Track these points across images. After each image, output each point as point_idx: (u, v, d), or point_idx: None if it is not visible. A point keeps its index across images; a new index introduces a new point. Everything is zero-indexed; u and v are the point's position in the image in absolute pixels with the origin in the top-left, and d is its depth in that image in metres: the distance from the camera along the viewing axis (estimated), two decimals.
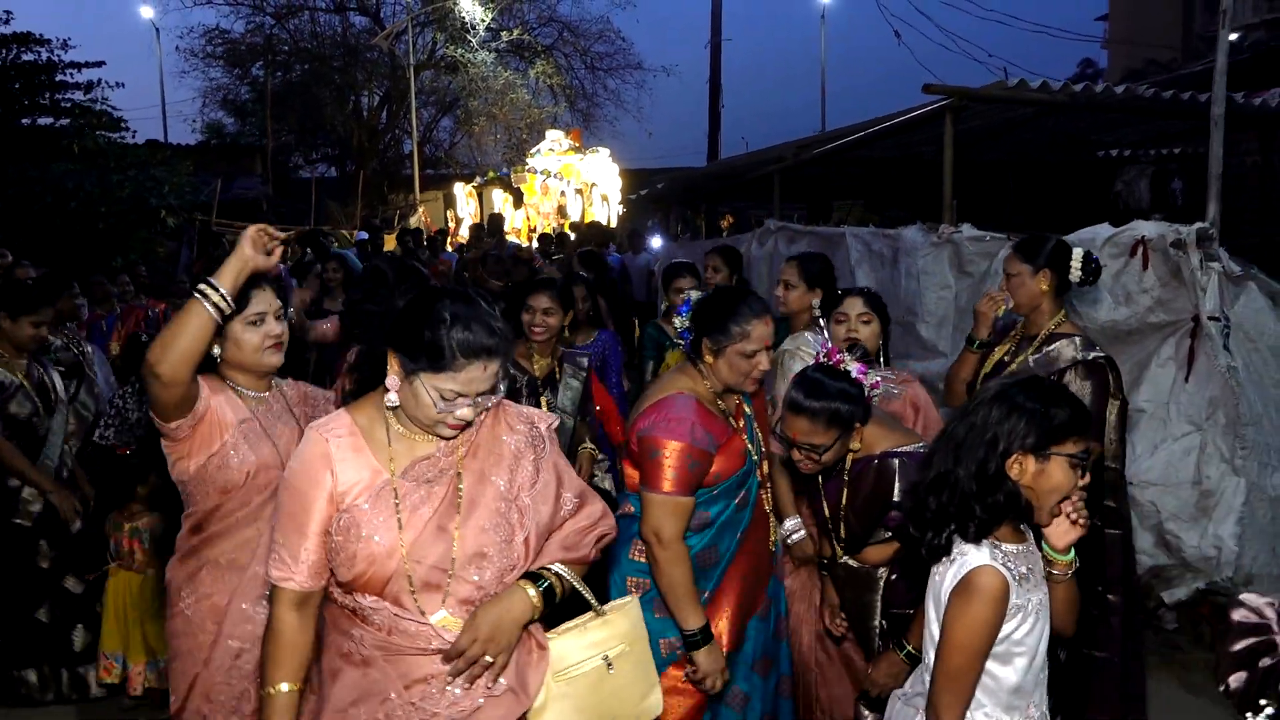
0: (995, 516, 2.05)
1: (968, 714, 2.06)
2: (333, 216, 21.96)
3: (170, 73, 39.52)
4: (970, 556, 2.04)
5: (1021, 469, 2.03)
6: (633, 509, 2.84)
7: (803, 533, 3.23)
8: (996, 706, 2.09)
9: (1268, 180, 8.64)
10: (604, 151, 21.09)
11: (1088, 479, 2.06)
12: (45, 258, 10.50)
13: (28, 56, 16.98)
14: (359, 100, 29.03)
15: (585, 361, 4.19)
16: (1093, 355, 3.37)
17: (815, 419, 2.64)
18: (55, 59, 17.03)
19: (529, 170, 20.27)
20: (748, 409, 2.97)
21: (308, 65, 27.88)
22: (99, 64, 17.48)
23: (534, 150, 21.43)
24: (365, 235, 15.29)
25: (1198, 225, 4.52)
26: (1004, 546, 2.06)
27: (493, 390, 1.94)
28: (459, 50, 26.42)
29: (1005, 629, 2.03)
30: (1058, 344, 3.43)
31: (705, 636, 2.68)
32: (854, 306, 3.55)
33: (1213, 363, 4.59)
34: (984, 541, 2.06)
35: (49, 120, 16.57)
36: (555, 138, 21.26)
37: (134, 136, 17.10)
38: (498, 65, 27.15)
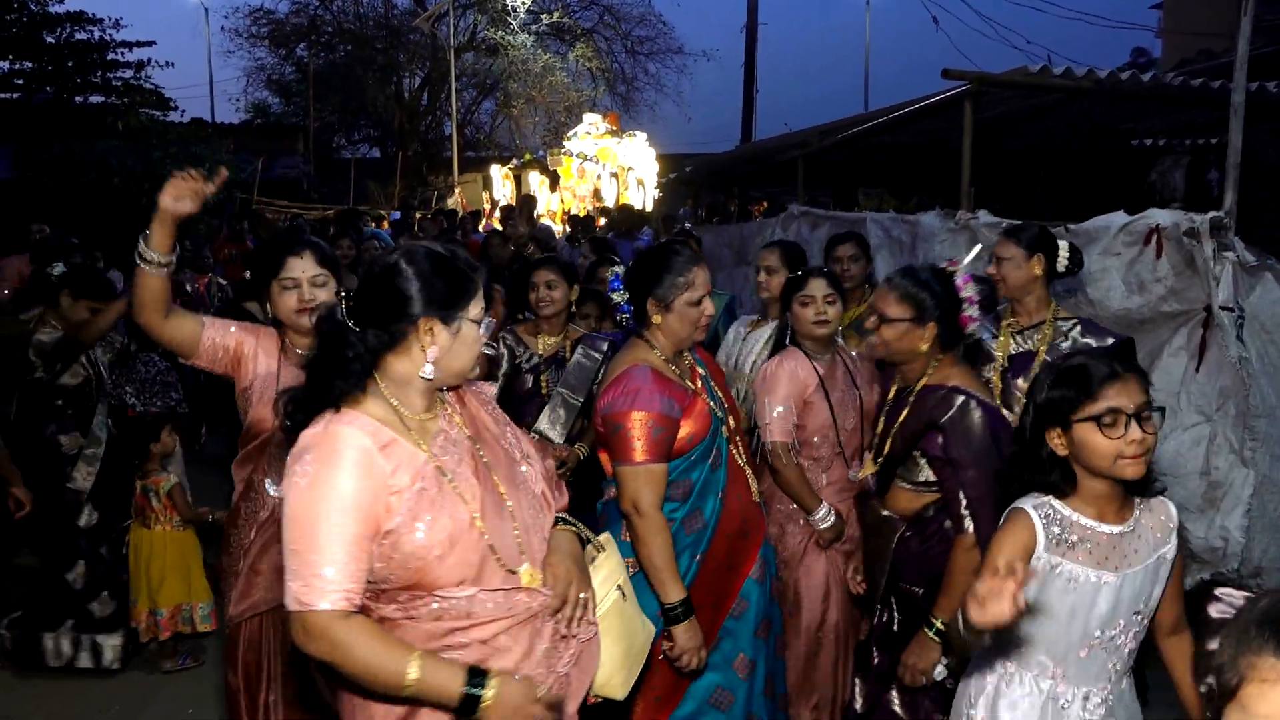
0: (1031, 486, 2.16)
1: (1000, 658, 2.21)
2: (372, 197, 22.20)
3: (217, 53, 40.08)
4: (1018, 502, 2.18)
5: (1059, 443, 2.13)
6: (614, 492, 2.90)
7: (833, 517, 3.36)
8: (1017, 659, 2.20)
9: None
10: (641, 135, 21.11)
11: (1149, 432, 2.06)
12: (90, 232, 10.76)
13: (80, 35, 17.37)
14: (400, 82, 29.26)
15: (605, 346, 4.12)
16: (1109, 340, 3.40)
17: (894, 289, 2.85)
18: (107, 38, 17.40)
19: (565, 153, 20.33)
20: (701, 370, 3.03)
21: (350, 46, 28.14)
22: (149, 43, 17.84)
23: (571, 133, 21.50)
24: (398, 215, 15.45)
25: (1211, 214, 4.47)
26: (1056, 504, 2.14)
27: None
28: (499, 32, 26.53)
29: (1029, 590, 1.98)
30: (1068, 328, 3.51)
31: (686, 610, 2.73)
32: (819, 288, 3.55)
33: (1224, 353, 4.55)
34: (1036, 496, 2.16)
35: (100, 98, 16.93)
36: (593, 121, 21.31)
37: (182, 115, 17.48)
38: (537, 48, 27.24)
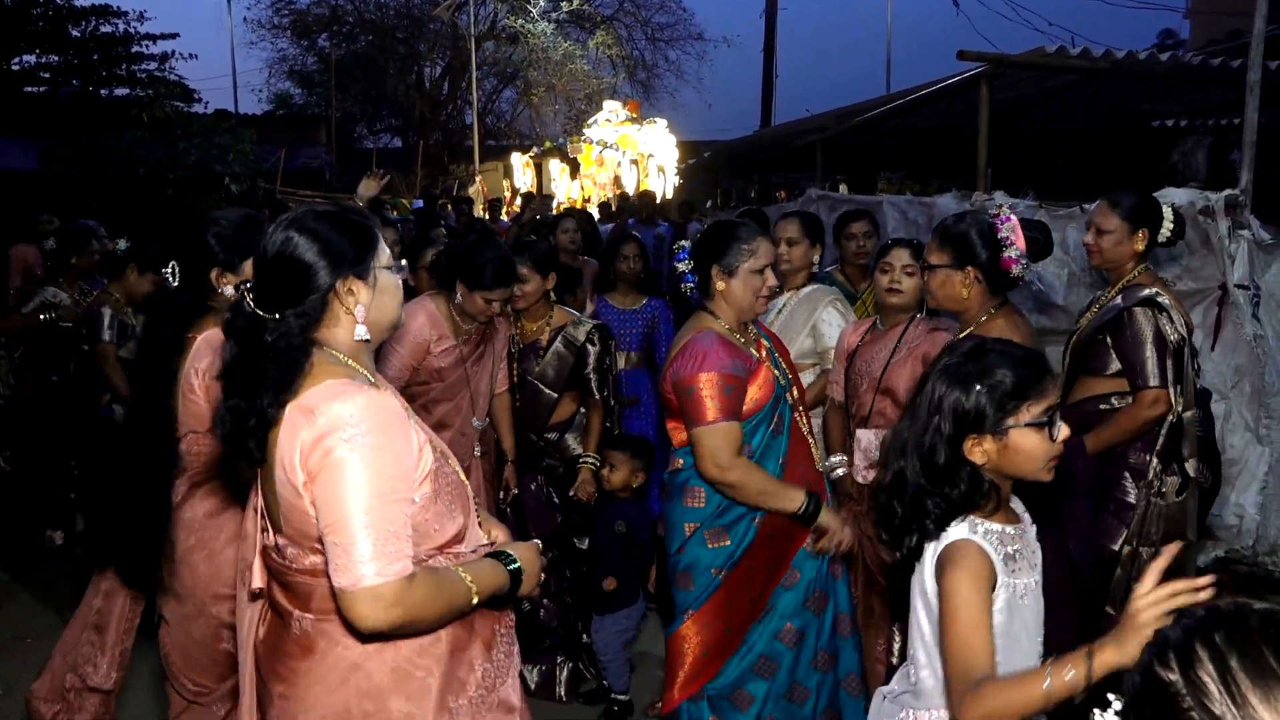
0: (953, 510, 1.91)
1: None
2: (394, 186, 22.29)
3: (239, 43, 40.35)
4: (948, 533, 1.92)
5: (985, 451, 1.89)
6: (681, 463, 3.00)
7: (845, 469, 3.41)
8: None
9: None
10: (661, 122, 21.07)
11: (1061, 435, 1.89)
12: (116, 223, 10.90)
13: (105, 28, 17.54)
14: (421, 71, 29.34)
15: (581, 334, 4.02)
16: (1142, 295, 3.23)
17: (935, 237, 2.90)
18: (132, 31, 17.57)
19: (585, 141, 20.35)
20: (766, 342, 3.12)
21: (371, 36, 28.24)
22: (173, 35, 17.99)
23: (591, 121, 21.51)
24: (420, 204, 15.56)
25: (1226, 192, 4.49)
26: (986, 524, 1.92)
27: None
28: (519, 21, 26.56)
29: (999, 619, 1.87)
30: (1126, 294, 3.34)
31: (815, 503, 2.86)
32: (900, 258, 3.50)
33: (1239, 331, 4.56)
34: (962, 520, 1.92)
35: (125, 91, 17.10)
36: (612, 108, 21.30)
37: (206, 107, 17.61)
38: (558, 36, 27.24)
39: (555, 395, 4.01)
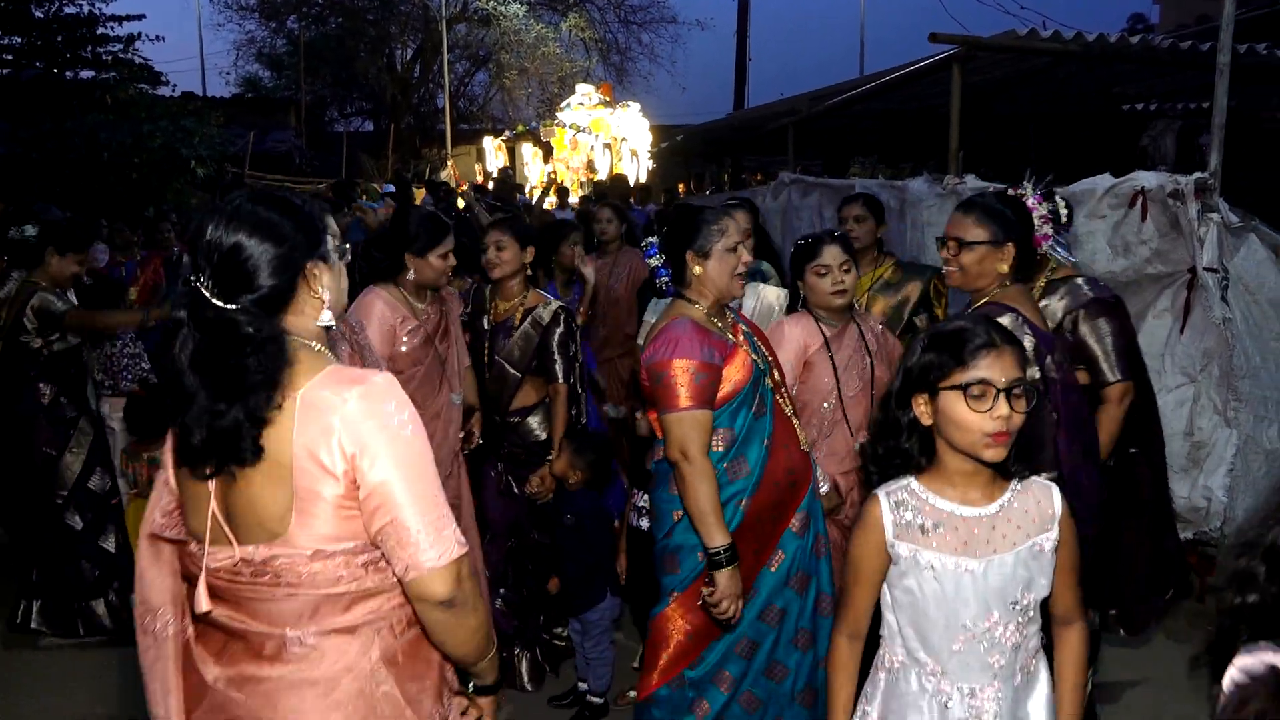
0: (890, 458, 2.03)
1: (883, 646, 2.10)
2: (365, 170, 22.09)
3: (207, 26, 39.73)
4: (879, 488, 2.05)
5: (924, 412, 1.99)
6: (661, 449, 2.97)
7: (827, 484, 3.35)
8: (897, 650, 2.07)
9: None
10: (635, 106, 20.98)
11: (1014, 410, 1.89)
12: (80, 207, 10.73)
13: (70, 9, 17.20)
14: (392, 54, 29.05)
15: (546, 314, 3.94)
16: (1097, 295, 3.25)
17: (970, 213, 2.90)
18: (97, 12, 17.23)
19: (558, 124, 20.22)
20: (744, 327, 3.09)
21: (341, 19, 27.91)
22: (139, 17, 17.64)
23: (564, 104, 21.37)
24: (391, 188, 15.39)
25: (1196, 175, 4.47)
26: (916, 487, 2.02)
27: None
28: (491, 3, 26.31)
29: (893, 573, 2.01)
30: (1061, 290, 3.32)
31: (730, 556, 2.78)
32: (834, 255, 3.44)
33: (1208, 315, 4.56)
34: (902, 477, 2.04)
35: (90, 73, 16.78)
36: (585, 92, 21.17)
37: (173, 90, 17.32)
38: (530, 18, 27.02)
39: (519, 376, 3.96)
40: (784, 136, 9.68)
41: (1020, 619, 2.00)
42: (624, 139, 19.83)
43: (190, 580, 1.75)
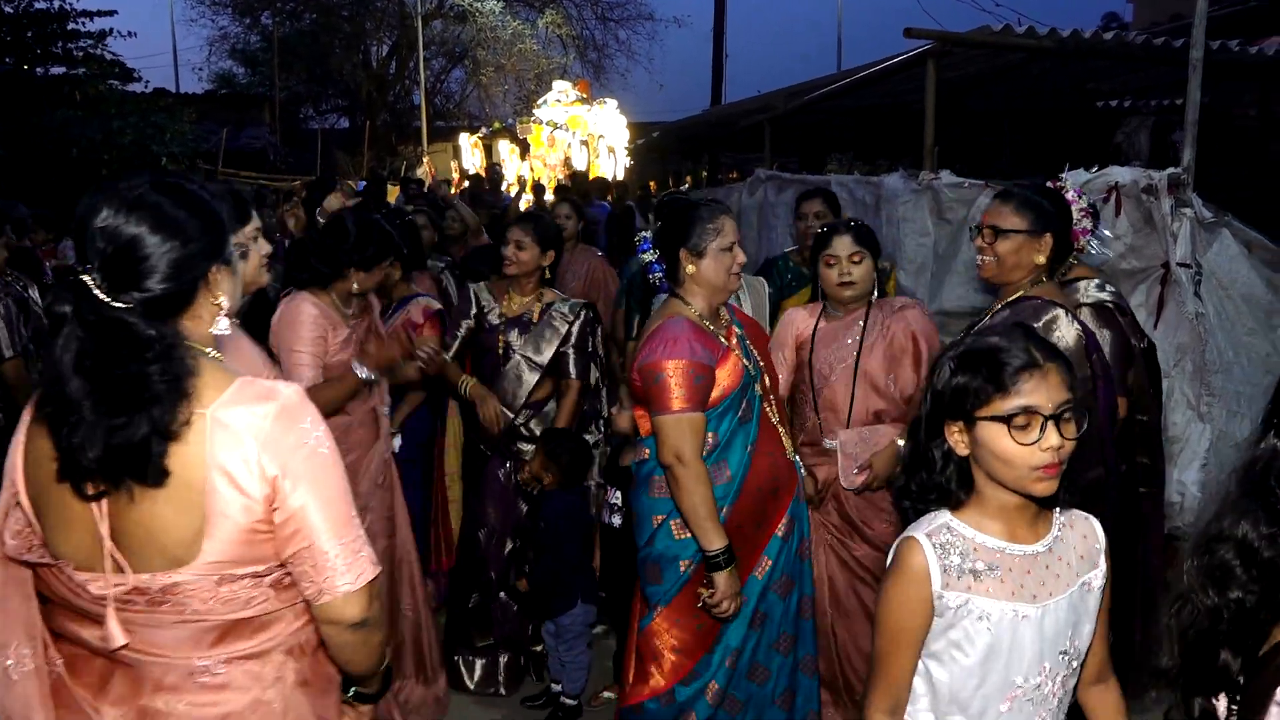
0: (925, 494, 1.79)
1: (908, 708, 1.80)
2: (340, 167, 21.91)
3: (180, 21, 39.27)
4: (911, 527, 1.78)
5: (959, 442, 1.74)
6: (647, 451, 2.92)
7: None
8: (927, 708, 1.80)
9: (1267, 133, 8.51)
10: (612, 103, 20.86)
11: (1064, 438, 1.67)
12: (49, 204, 10.57)
13: (40, 4, 16.97)
14: (368, 50, 28.84)
15: (570, 311, 3.96)
16: (1097, 298, 3.12)
17: (1008, 201, 2.89)
18: (67, 7, 17.00)
19: (535, 121, 20.09)
20: (738, 330, 3.04)
21: (316, 15, 27.67)
22: (111, 13, 17.43)
23: (541, 101, 21.24)
24: (364, 185, 15.24)
25: (1169, 170, 4.48)
26: (956, 524, 1.75)
27: None
28: None
29: (936, 625, 1.74)
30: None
31: (729, 557, 2.76)
32: (844, 246, 3.37)
33: (1182, 310, 4.57)
34: (937, 515, 1.78)
35: (61, 69, 16.56)
36: (562, 89, 21.04)
37: (146, 86, 17.12)
38: (506, 14, 26.88)
39: (539, 371, 3.92)
40: (760, 133, 9.66)
41: (1066, 670, 1.80)
42: (601, 136, 19.72)
43: (65, 606, 1.57)
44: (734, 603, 2.78)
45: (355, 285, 3.43)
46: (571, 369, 3.94)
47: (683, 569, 2.85)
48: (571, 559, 3.66)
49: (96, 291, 1.43)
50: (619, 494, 3.58)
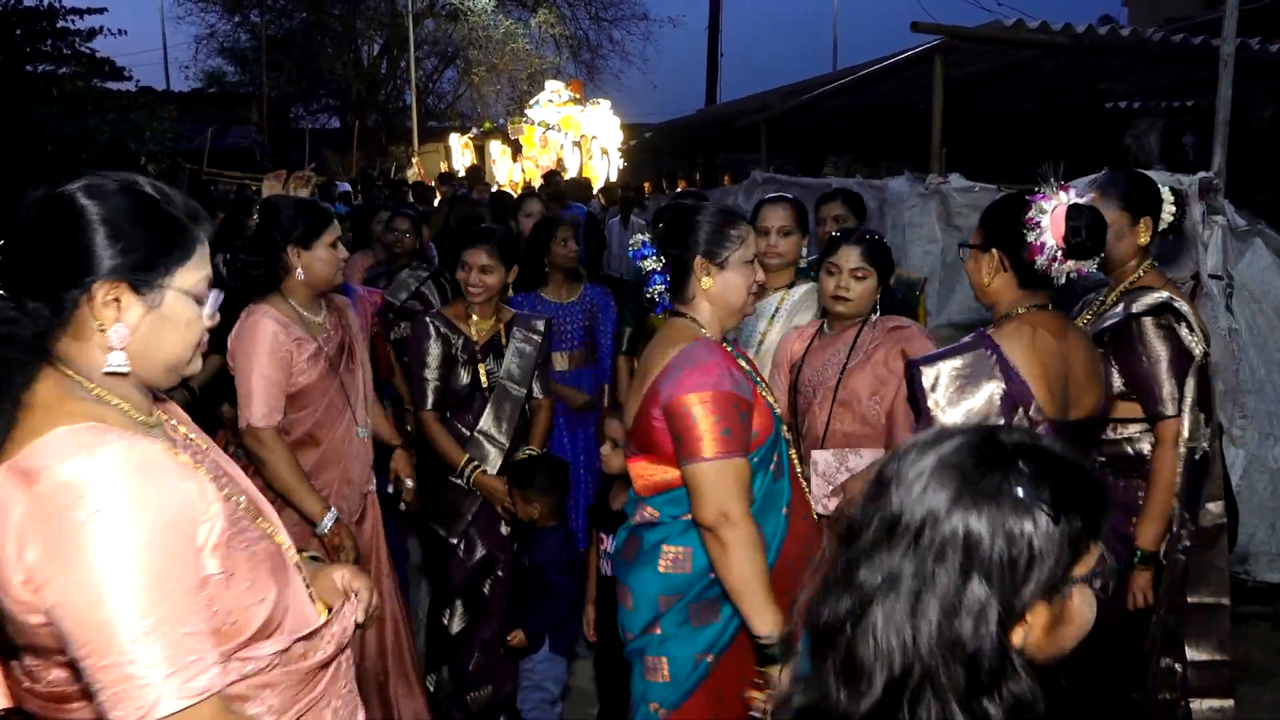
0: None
1: None
2: (330, 167, 21.59)
3: (169, 18, 38.82)
4: None
5: (1032, 627, 1.11)
6: (656, 514, 2.37)
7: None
8: None
9: None
10: (605, 103, 20.56)
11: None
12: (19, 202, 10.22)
13: (29, 2, 16.62)
14: (359, 49, 28.51)
15: (541, 324, 3.71)
16: (1152, 300, 2.73)
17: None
18: (56, 5, 16.65)
19: (527, 122, 19.78)
20: (744, 363, 2.52)
21: (306, 13, 27.35)
22: (100, 10, 17.10)
23: (533, 101, 20.93)
24: (347, 187, 14.88)
25: (1200, 175, 4.17)
26: None
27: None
28: None
29: None
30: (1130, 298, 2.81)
31: (788, 646, 2.06)
32: (849, 258, 3.01)
33: (1213, 325, 4.23)
34: None
35: (51, 67, 16.23)
36: (554, 89, 20.72)
37: (136, 84, 16.77)
38: (498, 14, 26.59)
39: (524, 392, 3.61)
40: (756, 134, 9.35)
41: None
42: (594, 137, 19.41)
43: None
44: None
45: (301, 274, 2.99)
46: (539, 388, 3.67)
47: (698, 662, 2.31)
48: (564, 609, 3.29)
49: None
50: (614, 541, 3.18)
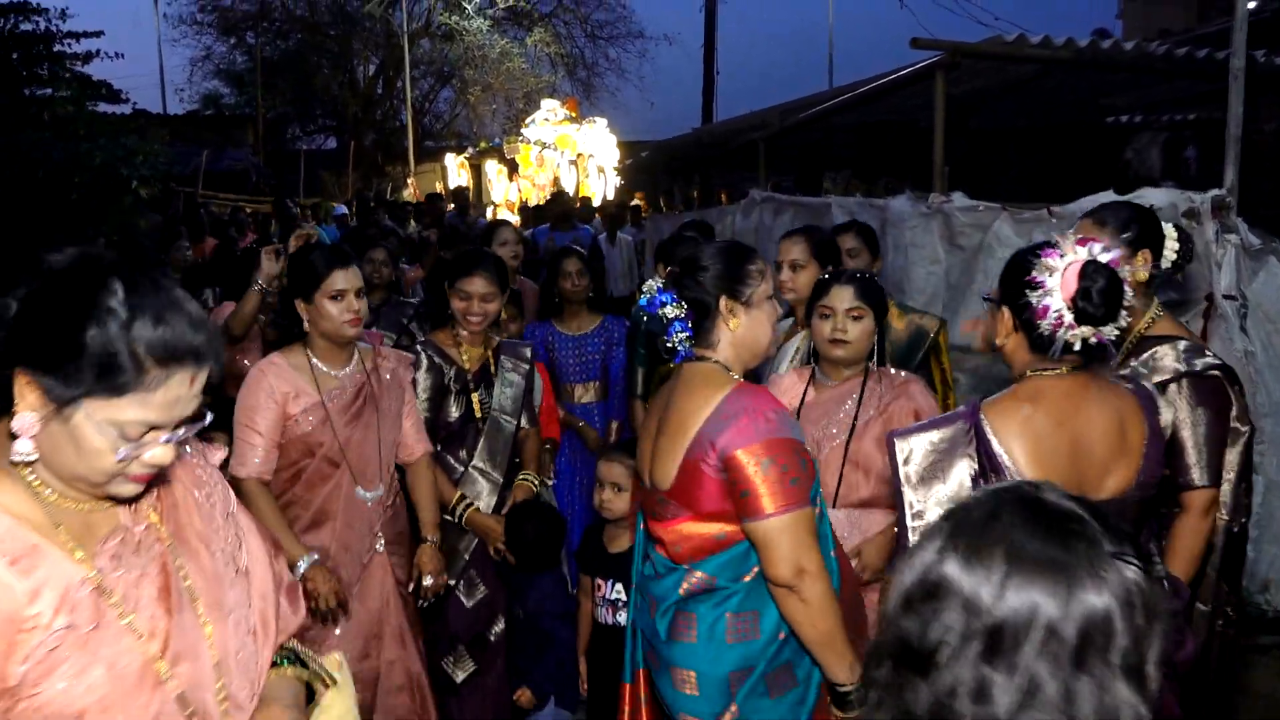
0: None
1: None
2: (326, 189, 21.52)
3: (165, 40, 38.82)
4: None
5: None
6: (713, 579, 2.16)
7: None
8: None
9: None
10: (601, 122, 20.51)
11: None
12: (14, 228, 10.13)
13: (26, 26, 16.59)
14: (355, 70, 28.53)
15: (528, 352, 3.61)
16: (1201, 364, 2.52)
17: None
18: (53, 29, 16.64)
19: (523, 141, 19.72)
20: None
21: (302, 34, 27.37)
22: (97, 34, 17.09)
23: (529, 120, 20.88)
24: (343, 210, 14.77)
25: (1213, 193, 4.05)
26: None
27: (199, 416, 1.34)
28: (454, 18, 25.85)
29: None
30: (1155, 349, 2.58)
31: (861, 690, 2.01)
32: (843, 299, 2.85)
33: (1229, 347, 4.12)
34: None
35: (48, 91, 16.20)
36: (551, 107, 20.68)
37: (132, 107, 16.75)
38: (494, 33, 26.60)
39: (515, 423, 3.50)
40: (754, 152, 9.25)
41: None
42: (591, 155, 19.35)
43: None
44: None
45: (308, 326, 2.91)
46: (526, 419, 3.57)
47: None
48: (571, 651, 3.13)
49: None
50: (618, 587, 2.98)
